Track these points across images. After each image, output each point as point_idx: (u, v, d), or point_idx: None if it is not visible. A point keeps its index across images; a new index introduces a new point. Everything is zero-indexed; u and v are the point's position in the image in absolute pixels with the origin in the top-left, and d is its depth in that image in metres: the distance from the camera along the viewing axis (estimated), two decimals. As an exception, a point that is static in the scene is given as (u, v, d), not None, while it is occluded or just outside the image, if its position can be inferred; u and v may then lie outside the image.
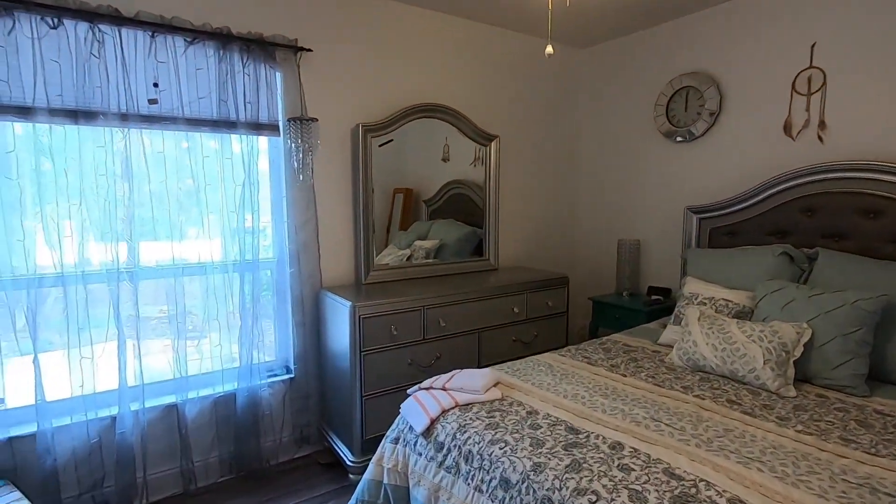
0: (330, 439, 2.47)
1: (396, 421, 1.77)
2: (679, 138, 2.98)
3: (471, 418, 1.55)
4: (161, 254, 2.20)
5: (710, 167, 2.89)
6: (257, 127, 2.32)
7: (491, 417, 1.55)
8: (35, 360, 1.91)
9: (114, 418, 2.08)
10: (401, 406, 1.76)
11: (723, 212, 2.69)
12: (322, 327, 2.52)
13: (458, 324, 2.49)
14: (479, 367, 2.59)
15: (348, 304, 2.18)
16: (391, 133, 2.69)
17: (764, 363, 1.77)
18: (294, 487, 2.33)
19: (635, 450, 1.34)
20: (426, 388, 1.77)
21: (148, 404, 2.16)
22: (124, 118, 2.00)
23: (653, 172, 3.19)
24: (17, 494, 1.78)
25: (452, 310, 2.46)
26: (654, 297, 3.03)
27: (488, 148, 3.08)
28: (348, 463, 2.26)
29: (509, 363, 2.06)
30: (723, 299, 2.21)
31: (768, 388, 1.75)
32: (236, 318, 2.34)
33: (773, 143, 2.60)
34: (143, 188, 2.09)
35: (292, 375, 2.54)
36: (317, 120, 2.38)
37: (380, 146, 2.68)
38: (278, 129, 2.39)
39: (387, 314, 2.26)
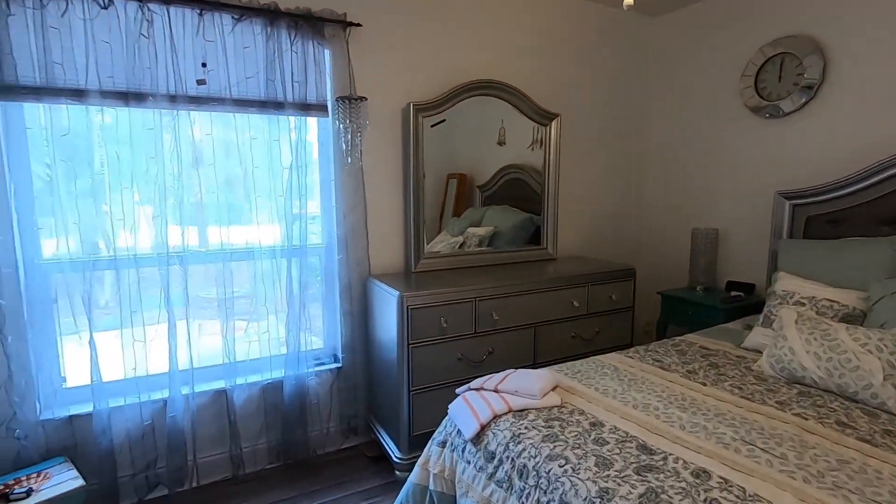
0: (377, 432, 2.39)
1: (444, 423, 1.63)
2: (768, 114, 2.61)
3: (526, 427, 1.39)
4: (210, 238, 2.17)
5: (807, 145, 2.50)
6: (305, 107, 2.23)
7: (549, 427, 1.37)
8: (91, 342, 1.94)
9: (165, 401, 2.09)
10: (449, 407, 1.62)
11: (824, 197, 2.32)
12: (370, 316, 2.43)
13: (512, 317, 2.31)
14: (535, 364, 2.40)
15: (396, 293, 2.06)
16: (444, 112, 2.53)
17: (884, 379, 1.47)
18: (340, 480, 2.27)
19: (725, 480, 1.12)
20: (476, 389, 1.62)
21: (198, 389, 2.16)
22: (173, 99, 1.97)
23: (735, 152, 2.83)
24: (74, 473, 1.82)
25: (507, 302, 2.29)
26: (733, 294, 2.70)
27: (548, 128, 2.84)
28: (395, 459, 2.16)
29: (569, 363, 1.87)
30: (826, 300, 1.89)
31: (889, 409, 1.45)
32: (284, 304, 2.29)
33: (892, 118, 2.20)
34: (192, 171, 2.06)
35: (340, 365, 2.47)
36: (366, 99, 2.26)
37: (432, 126, 2.52)
38: (327, 110, 2.29)
39: (436, 305, 2.12)
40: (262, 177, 2.20)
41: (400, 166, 2.53)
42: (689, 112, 3.08)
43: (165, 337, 2.05)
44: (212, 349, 2.21)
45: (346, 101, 2.23)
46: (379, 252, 2.52)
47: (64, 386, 2.04)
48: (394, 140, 2.50)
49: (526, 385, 1.54)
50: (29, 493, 1.69)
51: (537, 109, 2.77)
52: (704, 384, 1.67)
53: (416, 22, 2.48)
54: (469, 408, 1.52)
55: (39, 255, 1.92)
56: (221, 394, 2.22)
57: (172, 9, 1.94)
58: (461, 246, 2.72)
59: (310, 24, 2.17)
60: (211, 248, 2.17)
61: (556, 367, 1.83)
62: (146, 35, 1.90)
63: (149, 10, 1.90)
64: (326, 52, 2.26)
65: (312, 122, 2.35)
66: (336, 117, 2.26)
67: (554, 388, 1.59)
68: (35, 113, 1.84)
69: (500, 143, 2.78)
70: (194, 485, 2.20)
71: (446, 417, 1.63)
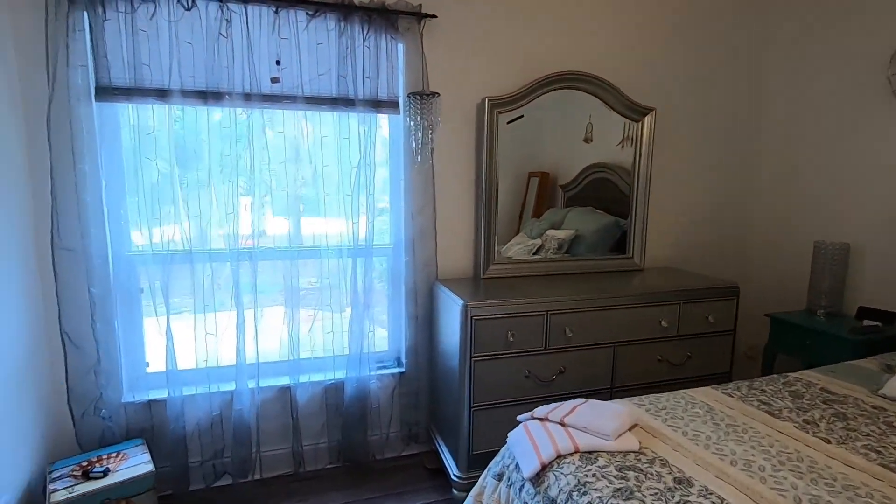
0: (437, 443, 2.28)
1: (502, 452, 1.48)
2: (929, 104, 2.12)
3: (594, 475, 1.19)
4: (279, 235, 2.19)
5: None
6: (376, 104, 2.16)
7: (622, 479, 1.16)
8: (168, 332, 2.02)
9: (232, 394, 2.13)
10: (508, 436, 1.46)
11: None
12: (435, 322, 2.32)
13: (589, 334, 2.08)
14: (612, 389, 2.15)
15: (460, 302, 1.93)
16: (522, 108, 2.34)
17: None
18: (398, 490, 2.20)
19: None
20: (540, 419, 1.44)
21: (263, 384, 2.18)
22: (247, 98, 1.98)
23: (875, 152, 2.35)
24: (147, 457, 1.90)
25: (583, 317, 2.07)
26: (867, 323, 2.24)
27: (639, 124, 2.55)
28: (453, 477, 2.04)
29: (652, 396, 1.62)
30: None
31: None
32: (348, 304, 2.26)
33: None
34: (264, 169, 2.07)
35: (402, 370, 2.40)
36: (438, 95, 2.14)
37: (508, 123, 2.35)
38: (398, 106, 2.21)
39: (504, 317, 1.96)
40: (331, 175, 2.17)
41: (472, 165, 2.39)
42: (814, 105, 2.61)
43: (234, 331, 2.09)
44: (277, 345, 2.23)
45: (418, 98, 2.13)
46: (447, 255, 2.40)
47: (147, 371, 2.16)
48: (467, 138, 2.36)
49: (598, 421, 1.34)
50: (106, 472, 1.79)
51: (628, 103, 2.49)
52: (828, 441, 1.35)
53: (493, 10, 2.31)
54: (530, 441, 1.35)
55: (128, 247, 2.03)
56: (285, 390, 2.24)
57: (250, 7, 1.95)
58: (539, 249, 2.52)
59: (383, 17, 2.09)
60: (279, 246, 2.18)
61: (636, 399, 1.59)
62: (224, 34, 1.93)
63: (228, 9, 1.92)
64: (399, 46, 2.18)
65: (383, 119, 2.28)
66: (407, 114, 2.16)
67: (632, 428, 1.37)
68: (125, 112, 1.94)
69: (587, 140, 2.54)
70: (257, 477, 2.24)
71: (505, 447, 1.47)
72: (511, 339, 1.97)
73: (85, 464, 1.84)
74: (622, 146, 2.59)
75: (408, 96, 2.15)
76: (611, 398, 2.13)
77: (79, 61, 1.80)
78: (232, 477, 2.19)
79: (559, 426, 1.38)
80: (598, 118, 2.50)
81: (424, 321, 2.37)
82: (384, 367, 2.41)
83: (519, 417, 1.51)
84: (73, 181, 1.85)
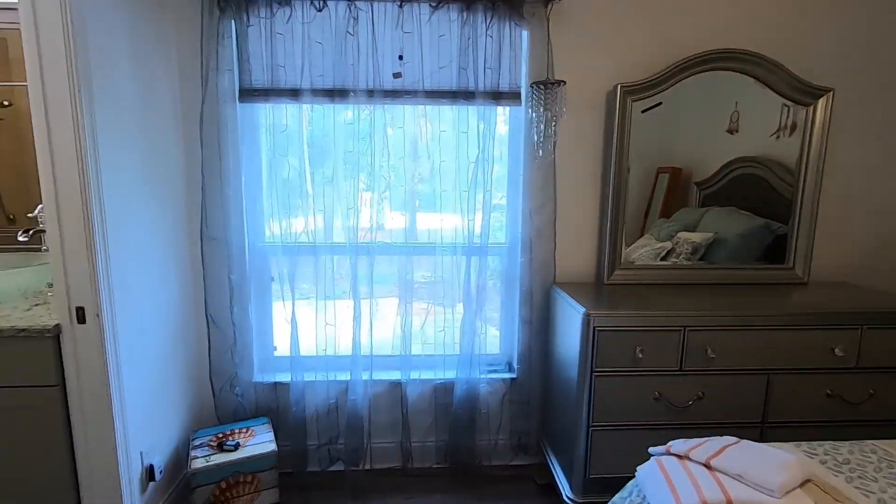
0: (549, 457, 2.13)
1: (629, 488, 1.29)
2: None
3: (754, 538, 0.97)
4: (395, 230, 2.19)
5: None
6: (497, 96, 2.06)
7: (794, 551, 0.93)
8: (293, 319, 2.13)
9: (347, 384, 2.19)
10: (637, 469, 1.27)
11: None
12: (551, 329, 2.16)
13: (735, 356, 1.78)
14: (764, 425, 1.82)
15: (581, 310, 1.76)
16: (660, 94, 2.08)
17: None
18: (505, 501, 2.09)
19: None
20: (679, 456, 1.23)
21: (375, 377, 2.22)
22: (370, 94, 2.00)
23: None
24: (270, 436, 2.03)
25: (729, 336, 1.77)
26: None
27: (809, 109, 2.12)
28: (565, 498, 1.88)
29: (829, 444, 1.30)
30: None
31: None
32: (460, 303, 2.20)
33: None
34: (383, 165, 2.08)
35: (514, 376, 2.28)
36: (564, 83, 1.97)
37: (643, 112, 2.10)
38: (519, 98, 2.08)
39: (631, 329, 1.74)
40: (448, 171, 2.12)
41: (599, 159, 2.18)
42: None
43: (351, 323, 2.15)
44: (390, 340, 2.25)
45: (542, 87, 1.98)
46: (567, 257, 2.23)
47: (275, 354, 2.31)
48: (593, 129, 2.16)
49: (758, 469, 1.10)
50: (237, 446, 1.93)
51: (797, 84, 2.08)
52: None
53: (631, -14, 2.07)
54: (667, 482, 1.15)
55: (261, 238, 2.18)
56: (396, 385, 2.25)
57: (376, 4, 1.96)
58: (668, 254, 2.23)
59: (507, 4, 1.98)
60: (395, 241, 2.19)
61: (804, 445, 1.30)
62: (351, 32, 1.97)
63: (355, 7, 1.95)
64: (524, 33, 2.05)
65: (502, 112, 2.17)
66: (529, 105, 2.03)
67: (803, 484, 1.10)
68: (263, 112, 2.07)
69: (731, 132, 2.18)
70: (367, 467, 2.28)
71: (633, 482, 1.28)
72: (639, 356, 1.75)
73: (220, 436, 2.01)
74: (778, 136, 2.18)
75: (531, 86, 2.01)
76: (761, 435, 1.81)
77: (226, 66, 1.95)
78: (344, 463, 2.26)
79: (704, 468, 1.16)
80: (746, 106, 2.13)
81: (539, 326, 2.23)
82: (495, 371, 2.31)
83: (651, 450, 1.31)
84: (218, 176, 2.03)
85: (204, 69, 1.97)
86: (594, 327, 1.73)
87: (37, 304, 1.70)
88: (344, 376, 2.20)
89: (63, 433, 1.56)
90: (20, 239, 1.84)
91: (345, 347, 2.19)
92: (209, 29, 1.94)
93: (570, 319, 1.86)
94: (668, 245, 2.27)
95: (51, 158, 1.43)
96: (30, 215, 1.96)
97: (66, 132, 1.42)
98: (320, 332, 2.18)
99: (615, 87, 2.04)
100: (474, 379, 2.22)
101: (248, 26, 1.96)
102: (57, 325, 1.50)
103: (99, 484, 1.60)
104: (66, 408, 1.55)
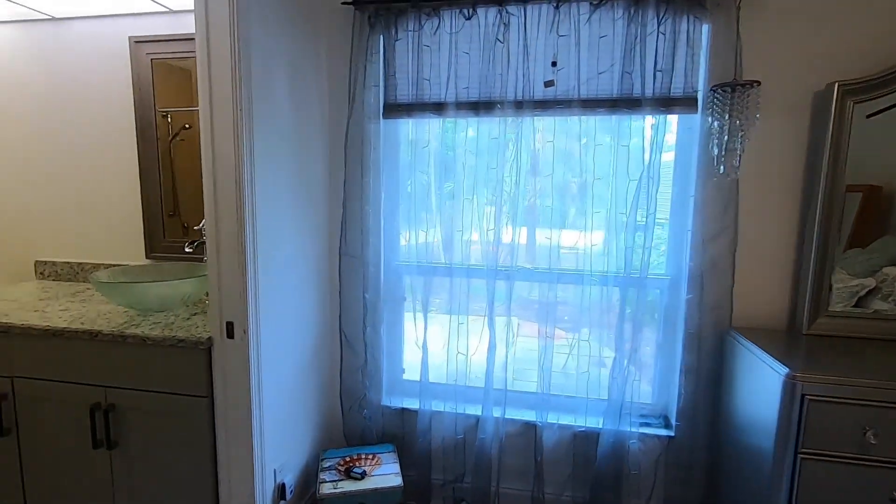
0: (717, 543, 1.73)
1: None
2: None
3: None
4: (538, 254, 1.97)
5: None
6: (667, 103, 1.75)
7: None
8: (424, 344, 2.02)
9: (478, 420, 2.02)
10: None
11: None
12: (725, 382, 1.77)
13: None
14: None
15: (781, 370, 1.37)
16: (888, 96, 1.60)
17: None
18: (657, 586, 1.74)
19: None
20: None
21: (508, 415, 2.01)
22: (518, 106, 1.83)
23: None
24: (396, 468, 1.91)
25: None
26: None
27: None
28: None
29: None
30: None
31: None
32: (610, 341, 1.90)
33: None
34: (529, 182, 1.89)
35: (672, 434, 1.91)
36: (759, 83, 1.61)
37: (868, 117, 1.63)
38: (695, 104, 1.75)
39: (859, 403, 1.31)
40: (603, 189, 1.86)
41: (799, 176, 1.75)
42: None
43: (485, 353, 1.97)
44: (526, 375, 2.03)
45: (728, 90, 1.64)
46: (748, 296, 1.82)
47: (404, 377, 2.22)
48: (794, 139, 1.74)
49: None
50: (363, 475, 1.85)
51: None
52: None
53: (855, -41, 1.64)
54: None
55: (396, 257, 2.11)
56: (531, 427, 2.01)
57: (529, 7, 1.78)
58: (868, 294, 1.72)
59: (687, -7, 1.67)
60: (537, 267, 1.97)
61: None
62: (501, 39, 1.81)
63: (507, 12, 1.80)
64: (705, 27, 1.72)
65: (673, 121, 1.85)
66: (709, 112, 1.69)
67: None
68: (406, 128, 2.01)
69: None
70: (494, 513, 2.07)
71: None
72: (871, 440, 1.30)
73: (348, 459, 1.95)
74: None
75: (711, 89, 1.68)
76: None
77: (373, 82, 1.92)
78: (469, 505, 2.08)
79: None
80: None
81: (708, 378, 1.84)
82: (648, 425, 1.96)
83: None
84: (359, 193, 2.00)
85: (352, 87, 1.96)
86: (804, 395, 1.33)
87: (195, 314, 1.79)
88: (474, 409, 2.02)
89: (208, 443, 1.59)
90: (186, 250, 1.97)
91: (476, 377, 2.02)
92: (359, 46, 1.92)
93: (760, 378, 1.47)
94: (871, 283, 1.75)
95: (213, 179, 1.47)
96: (196, 227, 2.11)
97: (228, 157, 1.46)
98: (451, 359, 2.03)
99: (829, 85, 1.62)
100: (624, 432, 1.90)
101: (395, 41, 1.91)
102: (210, 338, 1.53)
103: (237, 498, 1.61)
104: (213, 419, 1.58)
